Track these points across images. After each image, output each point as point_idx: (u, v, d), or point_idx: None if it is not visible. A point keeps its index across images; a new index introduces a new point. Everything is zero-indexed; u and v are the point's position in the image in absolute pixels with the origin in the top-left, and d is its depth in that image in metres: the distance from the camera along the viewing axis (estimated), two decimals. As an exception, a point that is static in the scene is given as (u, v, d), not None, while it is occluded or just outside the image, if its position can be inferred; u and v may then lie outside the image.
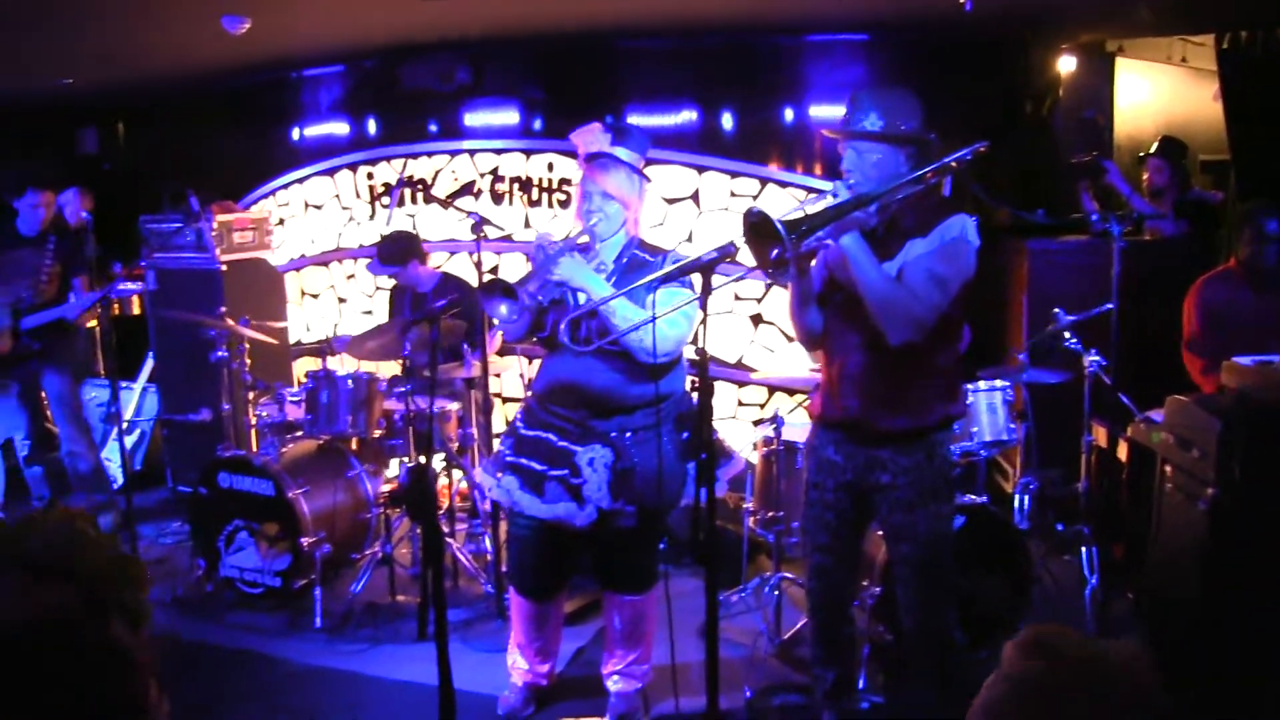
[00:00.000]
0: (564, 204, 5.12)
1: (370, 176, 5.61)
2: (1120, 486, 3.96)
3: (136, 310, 6.19)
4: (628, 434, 2.93)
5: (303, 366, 5.71)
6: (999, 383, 3.72)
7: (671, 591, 2.73)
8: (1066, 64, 5.45)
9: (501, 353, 4.72)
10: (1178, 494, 3.25)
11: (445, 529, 4.26)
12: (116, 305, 5.69)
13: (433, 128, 5.41)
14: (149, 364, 5.78)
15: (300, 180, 5.88)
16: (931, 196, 2.55)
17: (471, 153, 5.31)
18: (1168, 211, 4.88)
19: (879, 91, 2.57)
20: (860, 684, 3.20)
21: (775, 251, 2.21)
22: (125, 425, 5.26)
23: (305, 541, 3.91)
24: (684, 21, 4.76)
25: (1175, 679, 3.04)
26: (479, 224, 3.84)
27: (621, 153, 2.94)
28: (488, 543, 4.18)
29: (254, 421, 4.74)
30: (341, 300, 5.86)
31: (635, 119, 4.88)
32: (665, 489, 2.91)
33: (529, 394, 3.24)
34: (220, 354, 4.49)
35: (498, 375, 5.01)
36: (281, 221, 5.95)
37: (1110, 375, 3.70)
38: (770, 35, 4.90)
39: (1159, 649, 3.29)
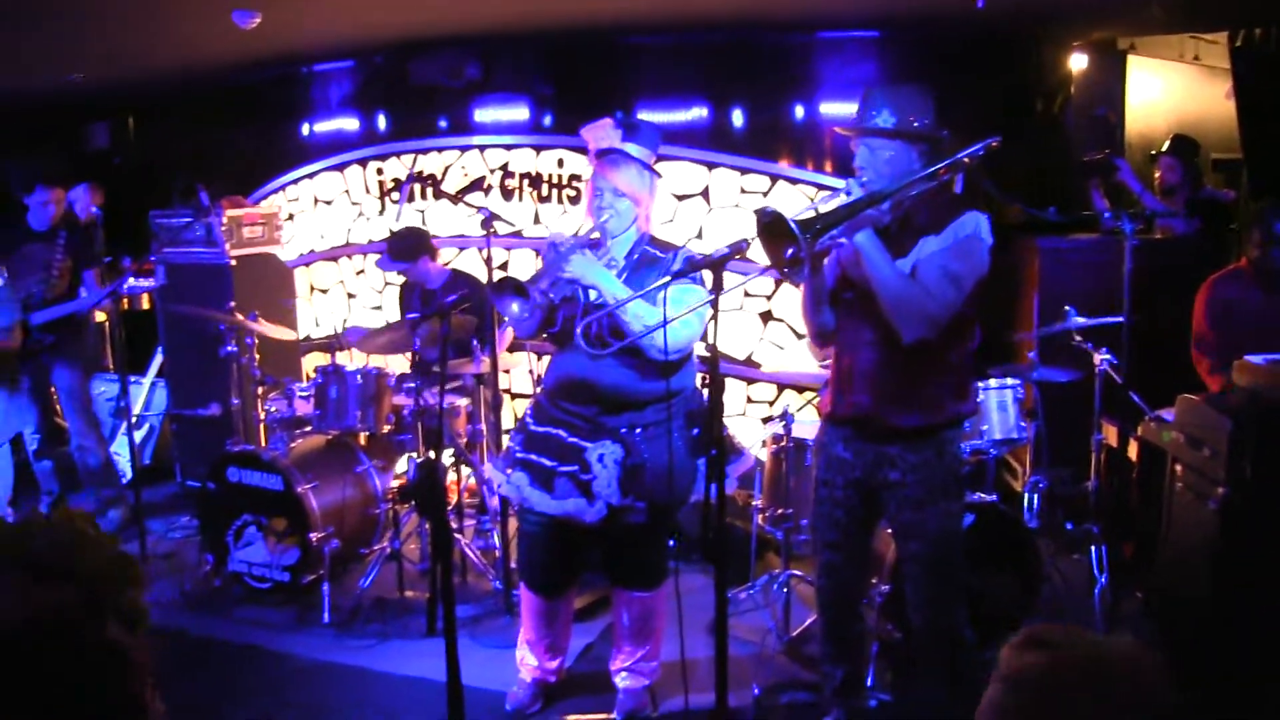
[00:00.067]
0: (574, 200, 5.11)
1: (380, 172, 5.61)
2: (1130, 485, 3.95)
3: (146, 305, 6.20)
4: (638, 430, 2.92)
5: (312, 362, 5.73)
6: (1009, 381, 3.71)
7: (680, 588, 2.73)
8: (1078, 62, 5.43)
9: (511, 349, 4.72)
10: (1188, 493, 3.24)
11: (454, 525, 4.26)
12: (126, 300, 5.70)
13: (442, 123, 5.41)
14: (158, 359, 5.80)
15: (310, 175, 5.89)
16: (944, 193, 2.54)
17: (481, 148, 5.31)
18: (1179, 210, 4.87)
19: (891, 88, 2.56)
20: (869, 682, 3.20)
21: (790, 251, 2.21)
22: (134, 420, 5.28)
23: (314, 537, 3.92)
24: (694, 18, 4.75)
25: (1185, 678, 3.03)
26: (489, 219, 3.84)
27: (632, 149, 2.94)
28: (496, 539, 4.19)
29: (263, 416, 4.76)
30: (351, 295, 5.87)
31: (645, 115, 4.86)
32: (675, 485, 2.91)
33: (539, 390, 3.24)
34: (229, 349, 4.51)
35: (507, 371, 5.02)
36: (291, 217, 5.96)
37: (1121, 374, 3.69)
38: (781, 32, 4.89)
39: (1169, 648, 3.29)
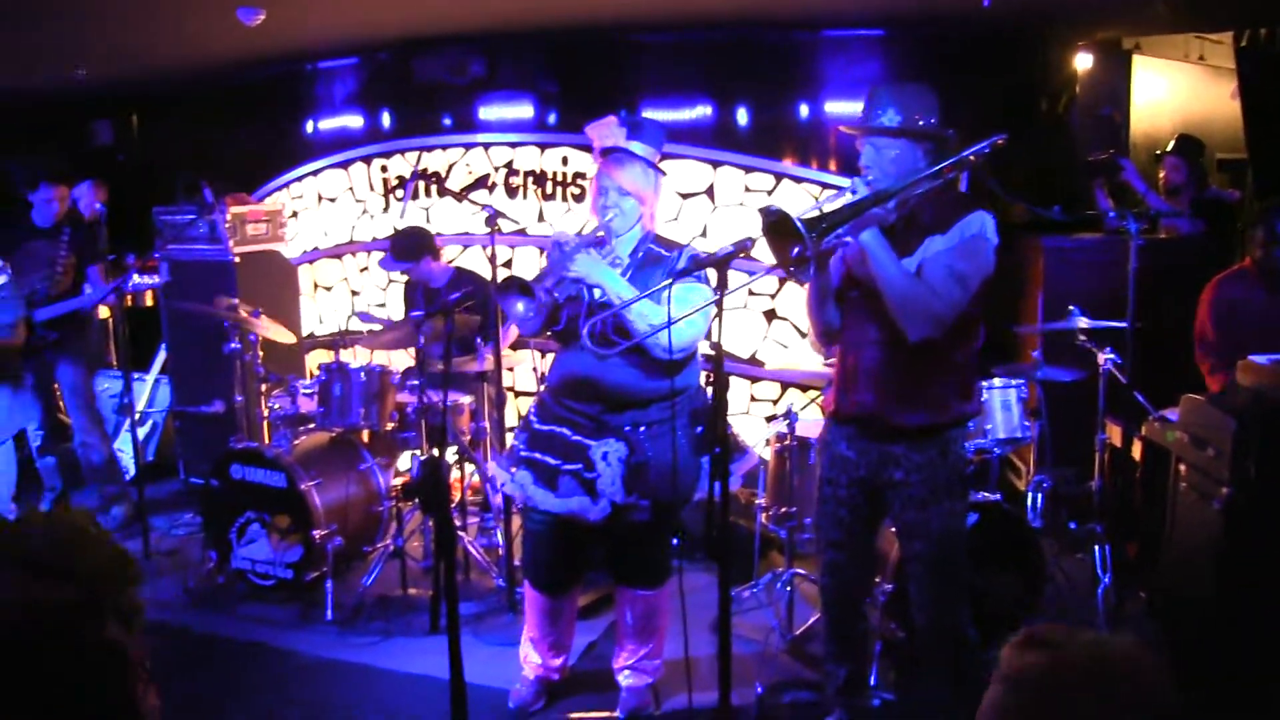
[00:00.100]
0: (578, 198, 5.11)
1: (384, 169, 5.61)
2: (1134, 485, 3.94)
3: (149, 302, 6.21)
4: (642, 428, 2.92)
5: (315, 359, 5.73)
6: (1013, 380, 3.71)
7: (684, 586, 2.73)
8: (1083, 61, 5.42)
9: (515, 346, 4.72)
10: (1192, 493, 3.23)
11: (457, 522, 4.26)
12: (130, 297, 5.71)
13: (447, 121, 5.41)
14: (161, 355, 5.81)
15: (314, 173, 5.89)
16: (950, 192, 2.54)
17: (486, 146, 5.31)
18: (1184, 210, 4.86)
19: (897, 87, 2.56)
20: (872, 681, 3.20)
21: (796, 250, 2.21)
22: (138, 416, 5.28)
23: (317, 534, 3.92)
24: (699, 16, 4.75)
25: (1189, 678, 3.02)
26: (493, 217, 3.84)
27: (637, 147, 2.94)
28: (499, 536, 4.19)
29: (266, 414, 4.76)
30: (355, 293, 5.87)
31: (650, 113, 4.87)
32: (679, 483, 2.91)
33: (542, 388, 3.24)
34: (233, 346, 4.51)
35: (511, 369, 5.02)
36: (295, 214, 5.96)
37: (1125, 373, 3.68)
38: (786, 30, 4.88)
39: (1173, 648, 3.28)
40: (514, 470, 3.05)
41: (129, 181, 6.74)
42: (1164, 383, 3.69)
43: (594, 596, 3.85)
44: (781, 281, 4.85)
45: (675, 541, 3.26)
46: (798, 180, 4.84)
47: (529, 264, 5.21)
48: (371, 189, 5.67)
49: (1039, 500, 4.10)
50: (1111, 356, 3.76)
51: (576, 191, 5.12)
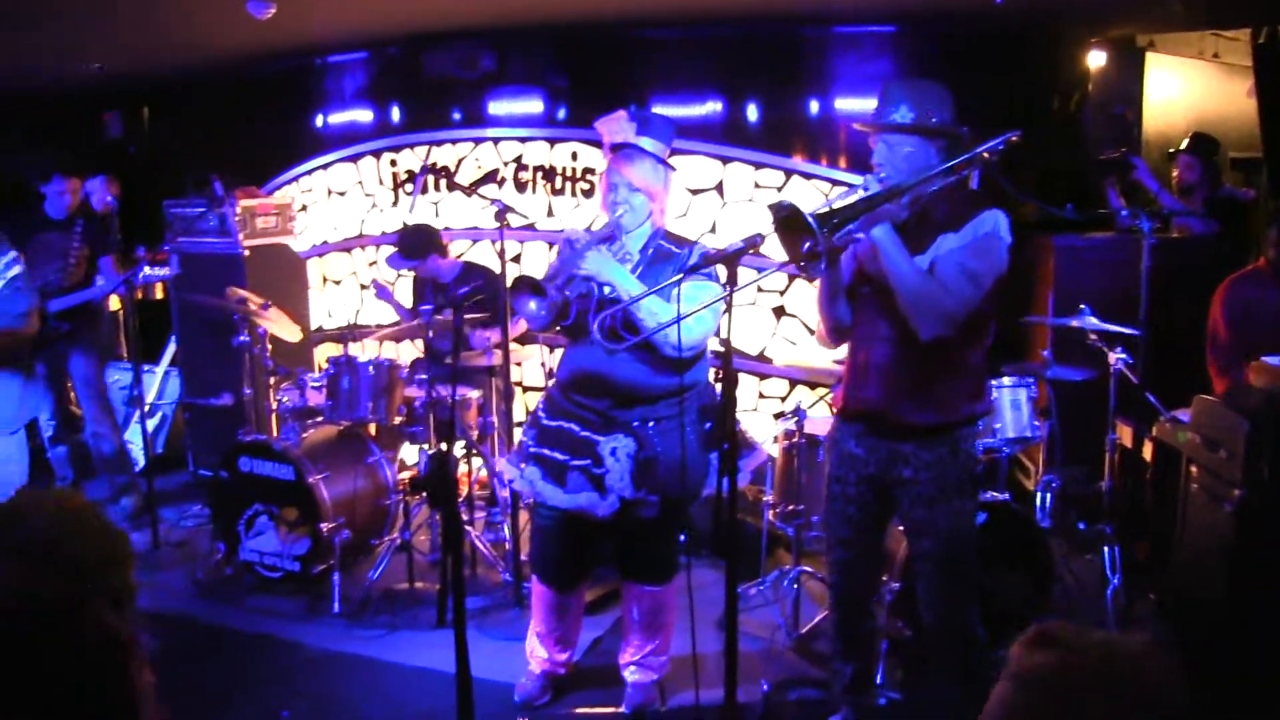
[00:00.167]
0: (587, 193, 5.10)
1: (394, 163, 5.61)
2: (1145, 486, 3.92)
3: (160, 294, 6.23)
4: (650, 424, 2.92)
5: (324, 352, 5.74)
6: (1023, 379, 3.69)
7: (691, 583, 2.73)
8: (1096, 59, 5.38)
9: (523, 341, 4.72)
10: (1203, 495, 3.22)
11: (464, 517, 4.26)
12: (140, 289, 5.73)
13: (456, 115, 5.41)
14: (171, 348, 5.83)
15: (324, 166, 5.90)
16: (963, 190, 2.52)
17: (495, 141, 5.31)
18: (1198, 209, 4.82)
19: (910, 84, 2.54)
20: (878, 679, 3.19)
21: (807, 245, 2.20)
22: (147, 408, 5.30)
23: (325, 527, 3.93)
24: (710, 11, 4.74)
25: (1199, 680, 3.00)
26: (502, 212, 3.84)
27: (647, 143, 2.93)
28: (506, 531, 4.19)
29: (275, 406, 4.77)
30: (364, 287, 5.88)
31: (660, 109, 4.86)
32: (688, 479, 2.90)
33: (551, 383, 3.24)
34: (242, 339, 4.52)
35: (519, 364, 5.02)
36: (305, 208, 5.97)
37: (1136, 373, 3.66)
38: (797, 26, 4.87)
39: (1183, 650, 3.26)
40: (522, 466, 3.05)
41: (139, 174, 6.77)
42: (1176, 383, 3.67)
43: (601, 592, 3.85)
44: (791, 278, 4.84)
45: (682, 538, 3.26)
46: (807, 177, 4.82)
47: (538, 259, 5.21)
48: (381, 183, 5.68)
49: (1048, 500, 4.08)
50: (1123, 356, 3.74)
51: (586, 187, 5.12)
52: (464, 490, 4.42)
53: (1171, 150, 5.12)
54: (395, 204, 5.63)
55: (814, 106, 4.90)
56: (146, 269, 5.17)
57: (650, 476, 2.90)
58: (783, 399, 4.94)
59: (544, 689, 3.25)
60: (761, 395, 4.99)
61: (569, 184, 5.18)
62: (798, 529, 3.77)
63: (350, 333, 4.46)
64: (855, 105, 4.78)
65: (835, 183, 4.76)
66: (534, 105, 5.24)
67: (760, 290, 4.88)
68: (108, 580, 0.97)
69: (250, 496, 4.10)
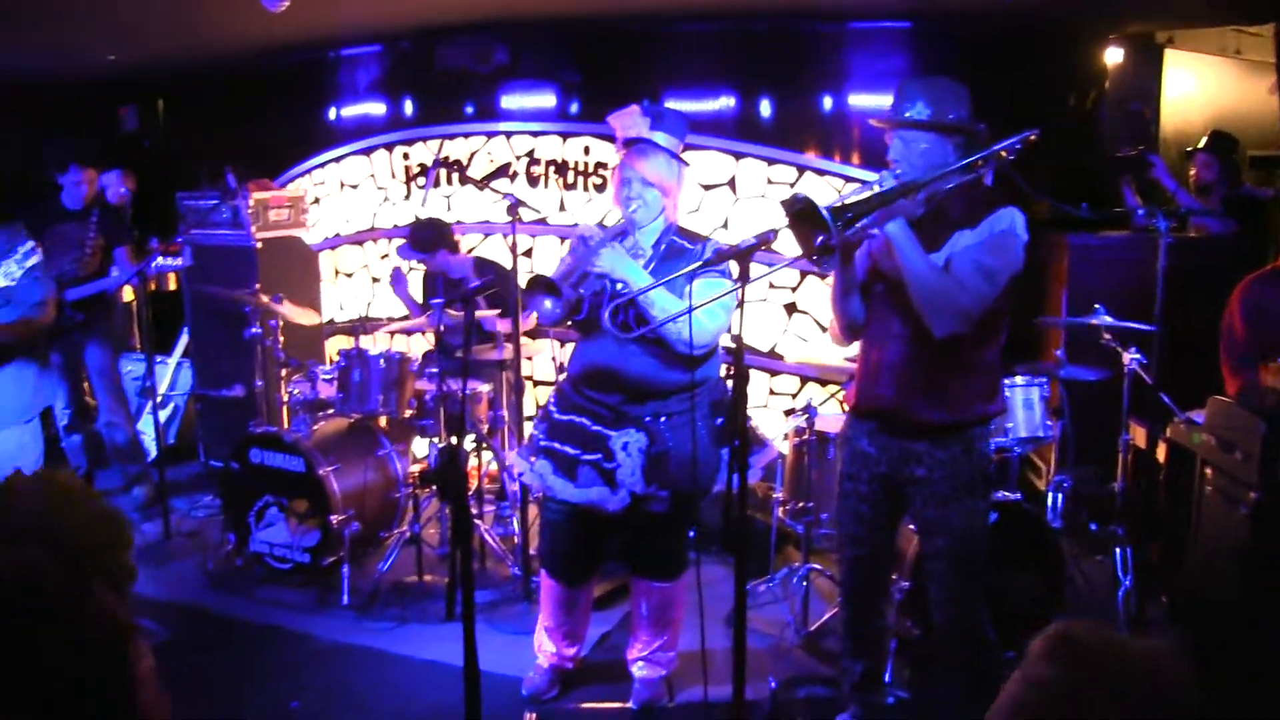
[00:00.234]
0: (599, 188, 5.10)
1: (406, 157, 5.61)
2: (1158, 488, 3.89)
3: (173, 286, 6.26)
4: (662, 419, 2.91)
5: (335, 345, 5.75)
6: (1036, 378, 3.67)
7: (700, 579, 2.72)
8: (1113, 55, 5.34)
9: (534, 335, 4.72)
10: (1218, 497, 3.19)
11: (474, 510, 4.27)
12: (154, 281, 5.75)
13: (469, 109, 5.40)
14: (184, 339, 5.85)
15: (336, 160, 5.91)
16: (979, 188, 2.51)
17: (508, 134, 5.30)
18: (1216, 208, 4.77)
19: (927, 80, 2.53)
20: (886, 678, 3.18)
21: (820, 239, 2.18)
22: (159, 399, 5.33)
23: (334, 519, 3.94)
24: (724, 6, 4.72)
25: (1212, 683, 2.98)
26: (514, 206, 3.83)
27: (660, 138, 2.91)
28: (516, 525, 4.19)
29: (286, 398, 4.79)
30: (375, 280, 5.89)
31: (673, 104, 4.84)
32: (699, 475, 2.90)
33: (562, 378, 3.23)
34: (254, 331, 4.53)
35: (529, 358, 5.02)
36: (317, 200, 5.98)
37: (1151, 374, 3.63)
38: (811, 21, 4.84)
39: (1195, 652, 3.24)
40: (533, 460, 3.05)
41: (154, 166, 6.80)
42: (1191, 384, 3.63)
43: (609, 587, 3.85)
44: (803, 275, 4.82)
45: (691, 534, 3.25)
46: (820, 173, 4.80)
47: (550, 253, 5.21)
48: (393, 176, 5.68)
49: (1059, 500, 4.06)
50: (1137, 356, 3.71)
51: (598, 181, 5.11)
52: (473, 484, 4.42)
53: (1189, 149, 5.08)
54: (407, 197, 5.63)
55: (828, 102, 4.87)
56: (159, 260, 5.19)
57: (661, 472, 2.89)
58: (793, 396, 4.93)
59: (552, 683, 3.25)
60: (772, 392, 4.97)
61: (581, 178, 5.17)
62: (807, 526, 3.76)
63: (362, 325, 4.47)
64: (869, 101, 4.75)
65: (848, 179, 4.74)
66: (547, 99, 5.23)
67: (772, 287, 4.86)
68: (104, 562, 0.96)
69: (261, 488, 4.12)
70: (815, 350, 4.80)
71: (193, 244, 5.42)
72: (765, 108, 4.92)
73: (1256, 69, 5.69)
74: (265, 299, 4.44)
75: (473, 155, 5.38)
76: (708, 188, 4.89)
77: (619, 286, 2.86)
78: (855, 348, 2.80)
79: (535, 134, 5.24)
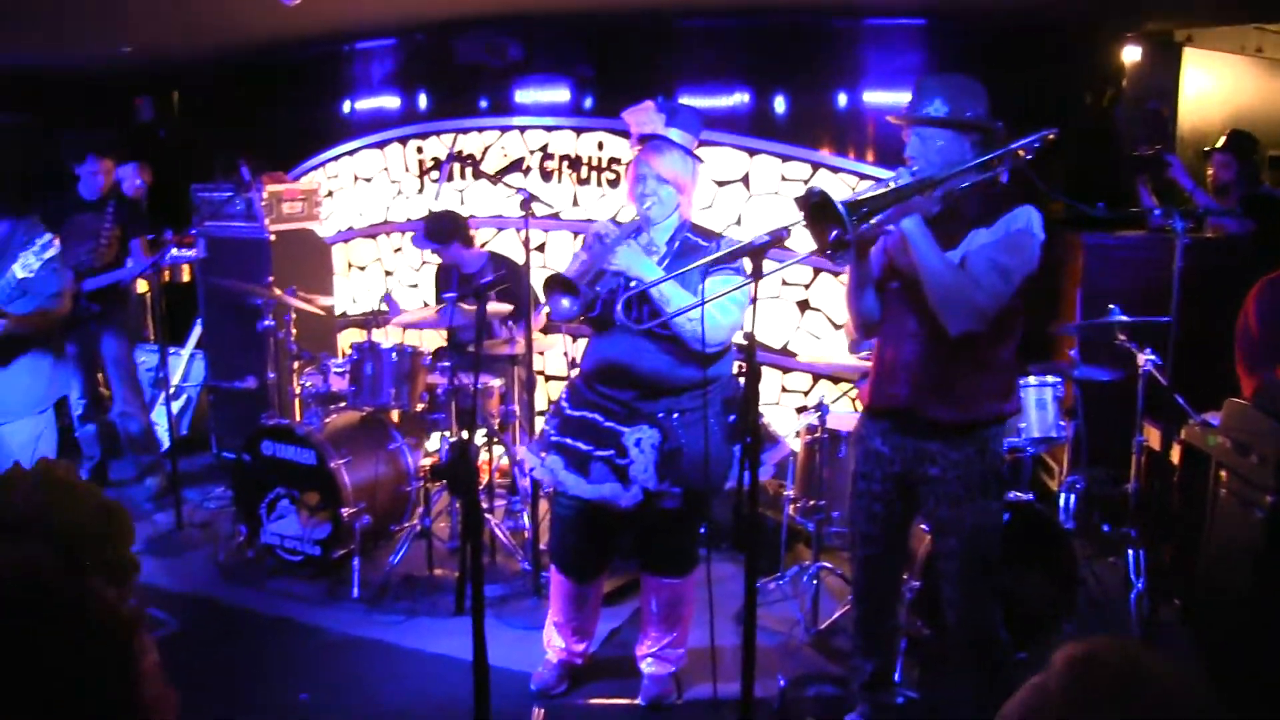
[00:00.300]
0: (613, 183, 5.09)
1: (420, 150, 5.62)
2: (1172, 490, 3.86)
3: (186, 278, 6.29)
4: (675, 415, 2.91)
5: (348, 338, 5.76)
6: (1050, 378, 3.65)
7: (709, 576, 2.72)
8: (1131, 54, 5.29)
9: (546, 331, 4.72)
10: (1233, 500, 3.16)
11: (484, 505, 4.28)
12: (167, 272, 5.78)
13: (483, 103, 5.40)
14: (197, 331, 5.88)
15: (350, 153, 5.92)
16: (996, 186, 2.49)
17: (521, 129, 5.30)
18: (1234, 208, 4.73)
19: (945, 78, 2.52)
20: (896, 678, 3.17)
21: (835, 233, 2.17)
22: (172, 390, 5.35)
23: (345, 512, 3.95)
24: (738, 2, 4.70)
25: (1224, 688, 2.97)
26: (527, 201, 3.83)
27: (675, 134, 2.91)
28: (526, 520, 4.20)
29: (298, 391, 4.80)
30: (388, 273, 5.90)
31: (687, 100, 4.82)
32: (711, 471, 2.89)
33: (574, 374, 3.23)
34: (267, 323, 4.55)
35: (541, 353, 5.02)
36: (330, 193, 5.99)
37: (1166, 375, 3.60)
38: (827, 18, 4.82)
39: (1207, 656, 3.22)
40: (544, 455, 3.05)
41: (168, 157, 6.82)
42: (1206, 386, 3.60)
43: (619, 583, 3.84)
44: (815, 272, 4.81)
45: (702, 530, 3.25)
46: (835, 170, 4.78)
47: (562, 248, 5.21)
48: (407, 170, 5.69)
49: (1072, 501, 4.03)
50: (1152, 358, 3.68)
51: (611, 177, 5.10)
52: (484, 478, 4.43)
53: (1207, 148, 5.03)
54: (421, 191, 5.64)
55: (842, 99, 4.85)
56: (174, 251, 5.21)
57: (674, 468, 2.89)
58: (805, 393, 4.91)
59: (560, 678, 3.26)
60: (784, 389, 4.96)
61: (595, 173, 5.17)
62: (818, 524, 3.75)
63: (374, 318, 4.48)
64: (884, 98, 4.73)
65: (863, 176, 4.72)
66: (561, 94, 5.23)
67: (785, 284, 4.85)
68: (104, 556, 0.96)
69: (272, 480, 4.13)
70: (827, 348, 4.79)
71: (207, 236, 5.44)
72: (780, 104, 4.90)
73: (1277, 67, 5.64)
74: (278, 292, 4.45)
75: (486, 149, 5.38)
76: (721, 184, 4.87)
77: (633, 284, 2.86)
78: (864, 350, 2.79)
79: (549, 129, 5.24)
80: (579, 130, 5.18)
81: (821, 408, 3.76)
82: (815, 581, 3.71)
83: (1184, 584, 3.63)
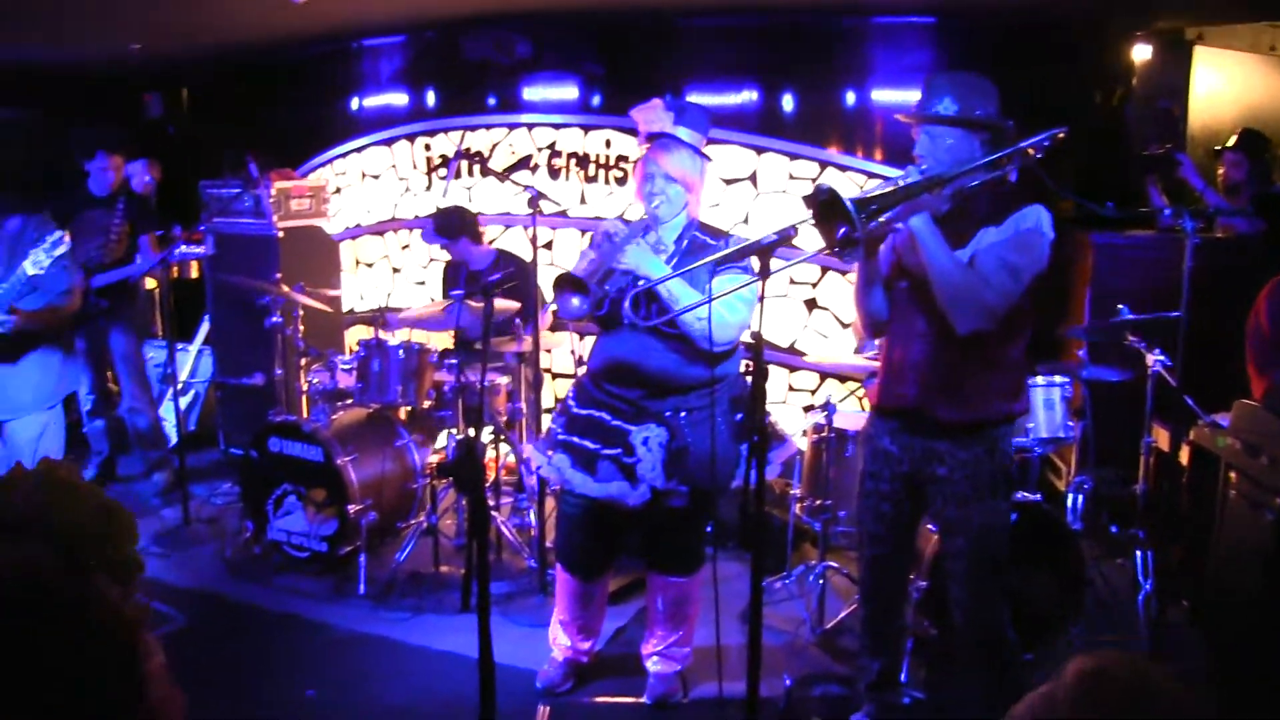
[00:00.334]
0: (620, 181, 5.08)
1: (428, 148, 5.62)
2: (1180, 491, 3.84)
3: (195, 274, 6.30)
4: (682, 414, 2.91)
5: (355, 335, 5.77)
6: (1058, 378, 3.63)
7: (715, 575, 2.72)
8: (1141, 52, 5.26)
9: (553, 329, 4.72)
10: (1242, 501, 3.14)
11: (490, 502, 4.28)
12: (175, 268, 5.80)
13: (491, 100, 5.40)
14: (205, 327, 5.89)
15: (358, 150, 5.92)
16: (1005, 185, 2.48)
17: (529, 127, 5.30)
18: (1245, 207, 4.70)
19: (954, 76, 2.51)
20: (902, 678, 3.16)
21: (843, 231, 2.16)
22: (180, 386, 5.37)
23: (352, 509, 3.95)
24: (747, 0, 4.68)
25: (1231, 690, 2.95)
26: (535, 198, 3.83)
27: (683, 133, 2.90)
28: (532, 517, 4.20)
29: (305, 388, 4.81)
30: (396, 270, 5.90)
31: (695, 97, 4.81)
32: (718, 470, 2.89)
33: (581, 372, 3.23)
34: (274, 320, 4.55)
35: (548, 351, 5.02)
36: (338, 190, 6.00)
37: (1175, 376, 3.58)
38: (835, 16, 4.80)
39: (1215, 658, 3.21)
40: (551, 454, 3.05)
41: (177, 154, 6.84)
42: (1216, 387, 3.59)
43: (625, 581, 3.84)
44: (823, 270, 4.79)
45: (708, 529, 3.24)
46: (843, 168, 4.77)
47: (570, 246, 5.21)
48: (415, 167, 5.69)
49: (1079, 502, 4.02)
50: (1161, 358, 3.66)
51: (619, 174, 5.10)
52: (491, 476, 4.43)
53: (1218, 147, 5.00)
54: (429, 188, 5.64)
55: (850, 98, 4.84)
56: (182, 248, 5.23)
57: (681, 467, 2.89)
58: (813, 392, 4.90)
59: (566, 676, 3.26)
60: (791, 388, 4.95)
61: (602, 171, 5.16)
62: (824, 523, 3.75)
63: (381, 316, 4.48)
64: (893, 97, 4.72)
65: (871, 175, 4.71)
66: (569, 92, 5.22)
67: (792, 282, 4.84)
68: (107, 556, 0.95)
69: (279, 476, 4.14)
70: (835, 347, 4.78)
71: (215, 232, 5.45)
72: (788, 102, 4.89)
73: (1290, 66, 5.60)
74: (286, 288, 4.46)
75: (494, 147, 5.38)
76: (729, 182, 4.86)
77: (641, 282, 2.86)
78: (869, 350, 2.78)
79: (557, 126, 5.23)
80: (587, 128, 5.18)
81: (828, 407, 3.75)
82: (821, 581, 3.71)
83: (1192, 586, 3.62)
